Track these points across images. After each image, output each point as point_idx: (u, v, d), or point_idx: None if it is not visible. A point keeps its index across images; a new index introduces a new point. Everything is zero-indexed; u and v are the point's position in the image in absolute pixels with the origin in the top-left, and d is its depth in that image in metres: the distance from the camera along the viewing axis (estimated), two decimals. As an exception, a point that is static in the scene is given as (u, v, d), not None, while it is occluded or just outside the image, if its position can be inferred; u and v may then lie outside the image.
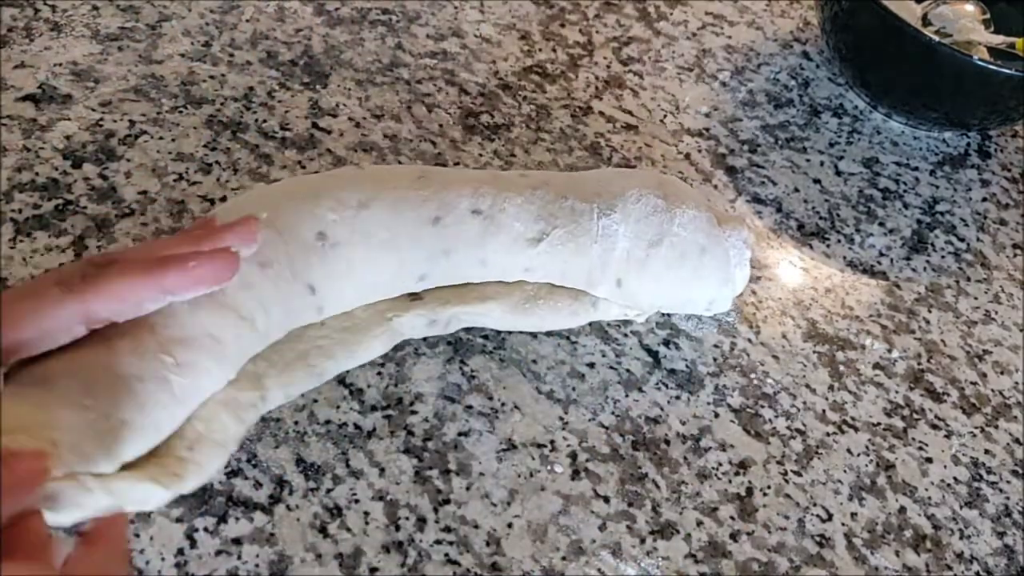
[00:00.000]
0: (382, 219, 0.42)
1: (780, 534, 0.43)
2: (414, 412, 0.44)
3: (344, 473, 0.41)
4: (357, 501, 0.40)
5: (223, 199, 0.49)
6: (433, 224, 0.43)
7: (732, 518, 0.43)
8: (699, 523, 0.43)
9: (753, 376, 0.49)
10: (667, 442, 0.45)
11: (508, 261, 0.44)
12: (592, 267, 0.45)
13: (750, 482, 0.45)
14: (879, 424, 0.49)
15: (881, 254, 0.58)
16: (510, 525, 0.41)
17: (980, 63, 0.57)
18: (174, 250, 0.35)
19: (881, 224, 0.59)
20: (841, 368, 0.51)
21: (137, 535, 0.37)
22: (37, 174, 0.49)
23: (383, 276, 0.42)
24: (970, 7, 0.66)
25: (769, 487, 0.45)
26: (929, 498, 0.46)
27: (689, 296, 0.47)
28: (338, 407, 0.43)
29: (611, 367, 0.48)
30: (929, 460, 0.48)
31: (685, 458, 0.45)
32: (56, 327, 0.32)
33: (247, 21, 0.60)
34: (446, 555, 0.40)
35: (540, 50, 0.64)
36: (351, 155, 0.54)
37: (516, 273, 0.45)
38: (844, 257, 0.57)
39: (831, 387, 0.50)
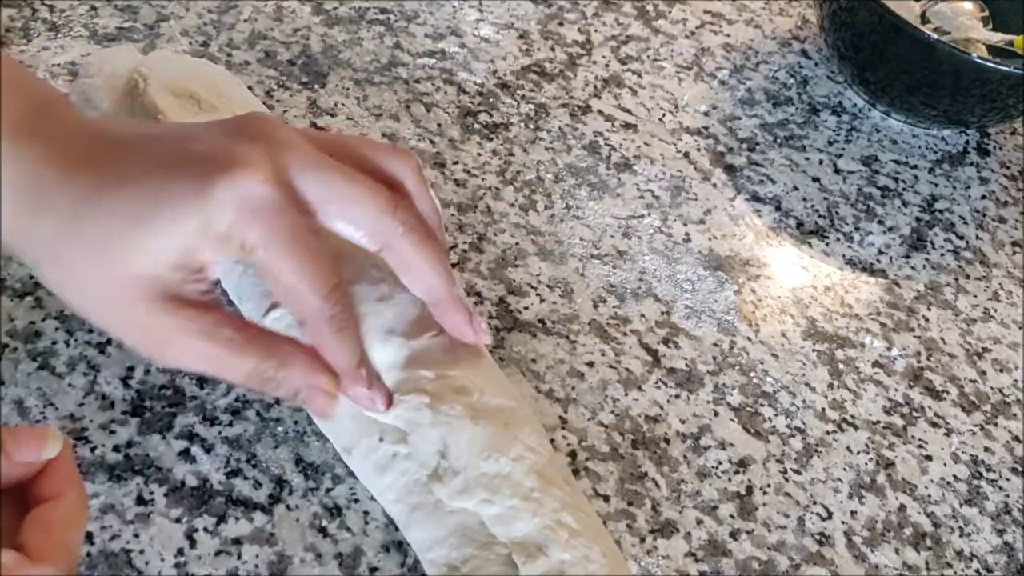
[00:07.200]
0: None
1: (780, 532, 0.43)
2: (413, 411, 0.44)
3: (344, 473, 0.41)
4: (357, 501, 0.40)
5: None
6: None
7: (732, 517, 0.43)
8: (699, 522, 0.43)
9: (752, 374, 0.49)
10: (667, 441, 0.45)
11: None
12: None
13: (750, 480, 0.45)
14: (879, 422, 0.49)
15: (880, 252, 0.58)
16: (510, 524, 0.41)
17: (979, 61, 0.57)
18: None
19: (880, 222, 0.59)
20: (840, 366, 0.51)
21: (137, 535, 0.37)
22: (35, 174, 0.49)
23: None
24: (968, 5, 0.66)
25: (769, 485, 0.45)
26: (929, 496, 0.46)
27: None
28: (337, 407, 0.43)
29: (610, 366, 0.48)
30: (929, 458, 0.48)
31: (685, 457, 0.45)
32: None
33: (245, 21, 0.60)
34: (446, 554, 0.40)
35: (539, 49, 0.64)
36: (350, 155, 0.54)
37: None
38: (843, 255, 0.57)
39: (830, 385, 0.50)
